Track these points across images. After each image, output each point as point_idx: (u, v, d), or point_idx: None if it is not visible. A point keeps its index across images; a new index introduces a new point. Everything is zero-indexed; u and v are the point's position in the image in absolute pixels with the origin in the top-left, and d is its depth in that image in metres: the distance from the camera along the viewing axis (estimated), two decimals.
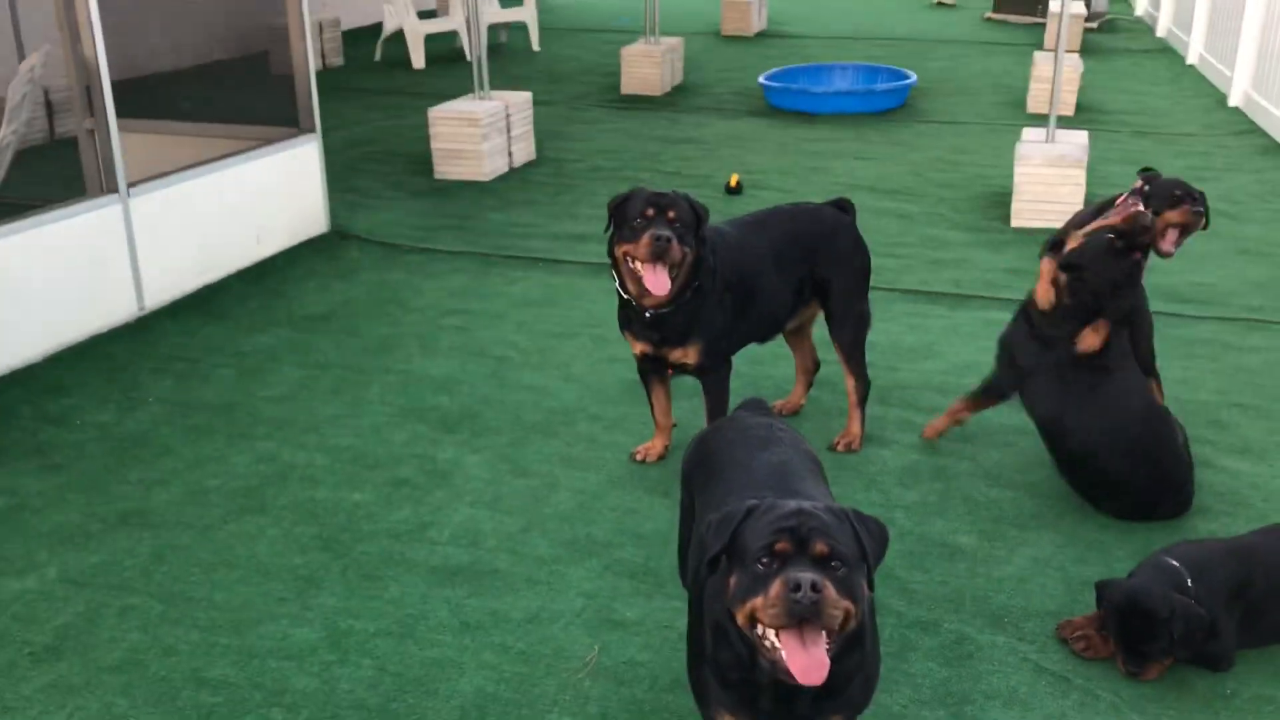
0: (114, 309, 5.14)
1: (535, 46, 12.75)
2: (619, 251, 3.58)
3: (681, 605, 3.18)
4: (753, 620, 2.07)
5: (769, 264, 3.90)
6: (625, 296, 3.70)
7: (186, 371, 4.75)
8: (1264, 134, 8.66)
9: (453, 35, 12.59)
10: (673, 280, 3.53)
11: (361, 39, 12.98)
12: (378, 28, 12.56)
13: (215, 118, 6.91)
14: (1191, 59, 11.71)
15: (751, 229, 3.97)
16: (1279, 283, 5.66)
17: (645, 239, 3.46)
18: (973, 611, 3.20)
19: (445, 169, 7.60)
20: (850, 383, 4.13)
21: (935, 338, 5.06)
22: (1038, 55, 9.80)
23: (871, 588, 2.17)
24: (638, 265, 3.53)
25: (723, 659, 2.21)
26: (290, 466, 4.00)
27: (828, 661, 2.03)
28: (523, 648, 3.07)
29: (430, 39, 12.08)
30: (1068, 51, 9.38)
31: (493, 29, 12.77)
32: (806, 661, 2.01)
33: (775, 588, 2.00)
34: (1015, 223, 6.54)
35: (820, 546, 2.04)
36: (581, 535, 3.58)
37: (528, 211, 6.92)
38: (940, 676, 2.97)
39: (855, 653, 2.17)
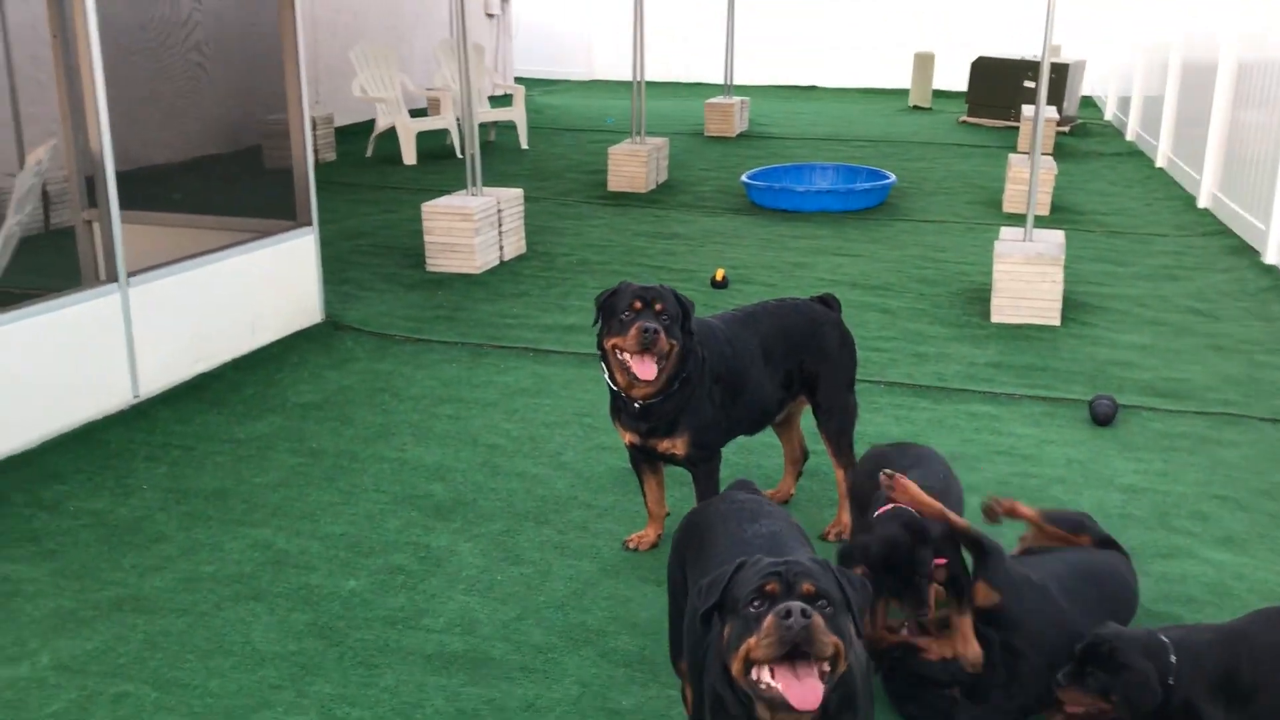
0: (109, 396, 5.18)
1: (524, 145, 13.02)
2: (608, 344, 3.68)
3: (676, 695, 3.21)
4: (748, 665, 2.16)
5: (757, 357, 4.00)
6: (615, 388, 3.78)
7: (181, 458, 4.78)
8: (1232, 234, 8.91)
9: (444, 133, 12.85)
10: (660, 370, 3.62)
11: (354, 135, 13.23)
12: (370, 125, 12.82)
13: (209, 210, 7.02)
14: (1160, 162, 12.07)
15: (739, 323, 4.08)
16: (1253, 379, 5.79)
17: (633, 331, 3.56)
18: None
19: (438, 262, 7.73)
20: (840, 473, 4.21)
21: (921, 429, 5.14)
22: (1013, 157, 10.09)
23: (859, 634, 2.26)
24: (626, 356, 3.62)
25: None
26: (285, 553, 4.01)
27: (821, 687, 2.12)
28: None
29: (421, 136, 12.33)
30: (1042, 154, 9.67)
31: (482, 127, 13.05)
32: (801, 689, 2.11)
33: (767, 621, 2.13)
34: (995, 318, 6.69)
35: (807, 586, 2.18)
36: (576, 623, 3.60)
37: (518, 303, 7.04)
38: None
39: (849, 711, 2.23)
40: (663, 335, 3.57)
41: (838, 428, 4.19)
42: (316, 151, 11.95)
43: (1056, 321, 6.62)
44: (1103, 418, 5.22)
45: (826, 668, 2.13)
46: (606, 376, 3.79)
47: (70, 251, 6.14)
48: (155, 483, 4.56)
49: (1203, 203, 9.99)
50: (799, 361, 4.11)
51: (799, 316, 4.19)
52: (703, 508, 2.94)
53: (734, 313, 4.18)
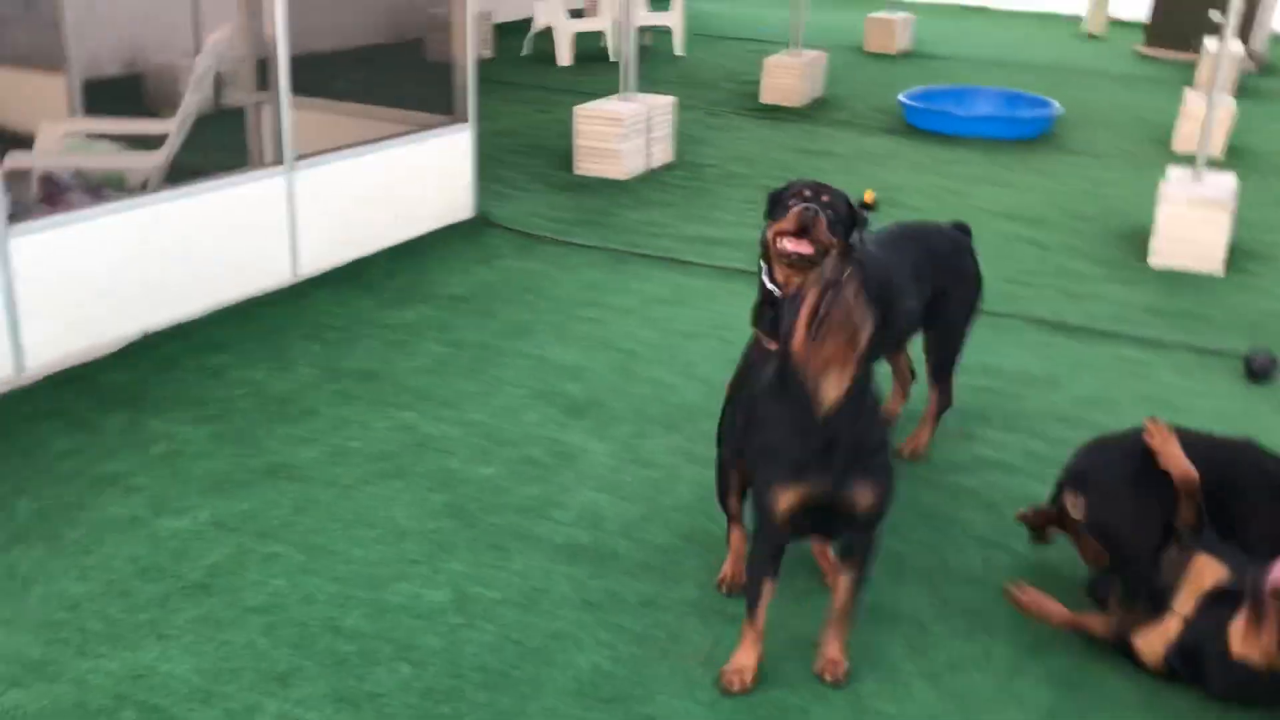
0: (271, 275, 5.43)
1: (679, 51, 12.91)
2: (770, 232, 3.42)
3: (789, 605, 3.28)
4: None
5: (909, 281, 3.97)
6: (770, 288, 3.48)
7: (334, 338, 5.00)
8: None
9: (599, 35, 12.82)
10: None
11: (511, 33, 13.30)
12: (527, 23, 12.87)
13: (372, 100, 7.19)
14: None
15: (890, 246, 4.03)
16: None
17: (794, 211, 3.33)
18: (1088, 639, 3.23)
19: (586, 166, 7.79)
20: (934, 396, 4.24)
21: (1063, 370, 5.04)
22: (1189, 93, 9.59)
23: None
24: (786, 243, 3.34)
25: (770, 427, 2.90)
26: (427, 436, 4.20)
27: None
28: (639, 630, 3.20)
29: (578, 37, 12.33)
30: (1221, 92, 9.16)
31: (639, 32, 12.97)
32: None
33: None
34: (1154, 261, 6.44)
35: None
36: (699, 528, 3.69)
37: (662, 212, 7.07)
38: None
39: (862, 416, 2.80)
40: (824, 222, 3.30)
41: (949, 356, 4.18)
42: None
43: (1219, 270, 6.35)
44: (1259, 372, 5.02)
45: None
46: (764, 275, 3.49)
47: (240, 132, 6.39)
48: (310, 359, 4.79)
49: None
50: (941, 286, 4.06)
51: (943, 239, 4.14)
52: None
53: (882, 235, 4.13)
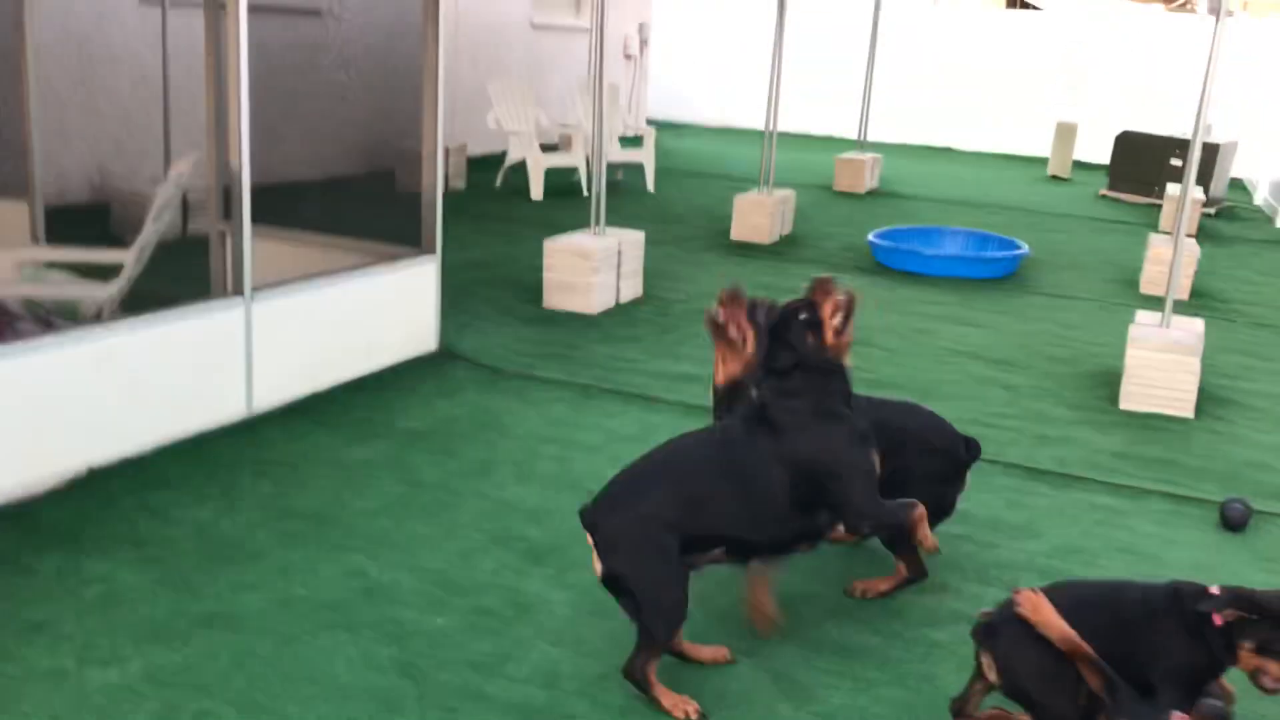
0: (224, 409, 5.28)
1: (650, 187, 13.06)
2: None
3: None
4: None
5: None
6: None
7: (285, 476, 4.82)
8: None
9: (572, 170, 12.97)
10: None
11: (486, 166, 13.45)
12: (502, 156, 13.02)
13: (338, 230, 7.15)
14: None
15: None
16: None
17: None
18: None
19: (555, 299, 7.74)
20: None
21: (1037, 517, 4.92)
22: (1154, 236, 9.73)
23: None
24: None
25: None
26: (378, 584, 4.00)
27: None
28: None
29: (550, 172, 12.46)
30: (1185, 235, 9.30)
31: (610, 168, 13.14)
32: None
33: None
34: (1124, 405, 6.40)
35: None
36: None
37: (631, 347, 6.99)
38: None
39: None
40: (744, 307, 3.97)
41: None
42: (447, 179, 12.18)
43: (1190, 414, 6.31)
44: (1235, 522, 4.92)
45: None
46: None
47: (203, 261, 6.30)
48: (259, 499, 4.60)
49: None
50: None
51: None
52: None
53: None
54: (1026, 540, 4.68)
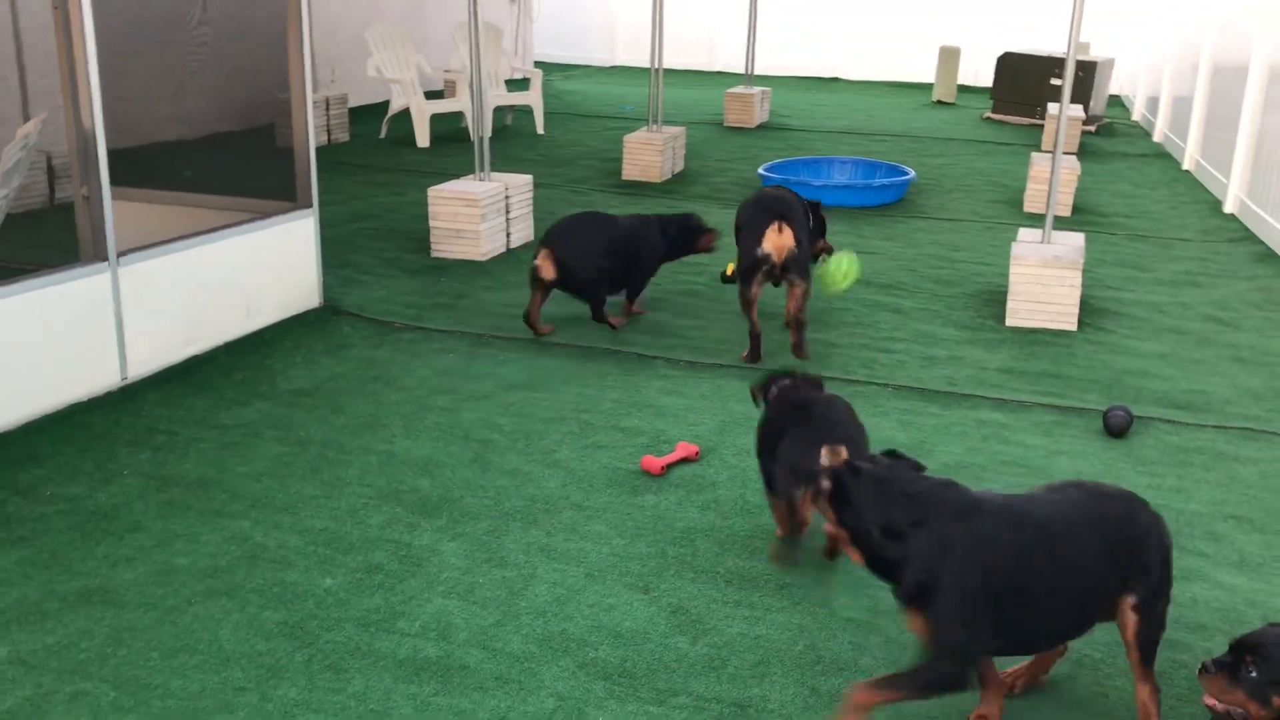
0: (96, 378, 5.07)
1: (540, 130, 12.87)
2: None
3: (656, 710, 3.08)
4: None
5: None
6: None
7: (165, 444, 4.66)
8: (1259, 241, 8.68)
9: (459, 116, 12.71)
10: None
11: (369, 116, 13.11)
12: (385, 105, 12.69)
13: (215, 189, 6.89)
14: (1187, 164, 11.82)
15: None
16: (1276, 393, 5.60)
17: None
18: None
19: (443, 248, 7.59)
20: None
21: (927, 435, 4.98)
22: (1035, 156, 9.87)
23: None
24: None
25: None
26: (262, 547, 3.89)
27: None
28: None
29: (436, 118, 12.19)
30: (1065, 153, 9.45)
31: (498, 111, 12.90)
32: None
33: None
34: (1010, 322, 6.50)
35: None
36: (556, 631, 3.46)
37: (523, 293, 6.88)
38: None
39: None
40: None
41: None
42: (330, 131, 11.85)
43: (1073, 327, 6.44)
44: (1116, 429, 5.04)
45: None
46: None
47: (71, 227, 6.03)
48: (136, 469, 4.44)
49: (1229, 208, 9.75)
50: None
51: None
52: None
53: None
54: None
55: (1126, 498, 3.02)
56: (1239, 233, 9.01)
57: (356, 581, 3.71)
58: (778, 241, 5.56)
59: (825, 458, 3.47)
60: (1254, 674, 2.70)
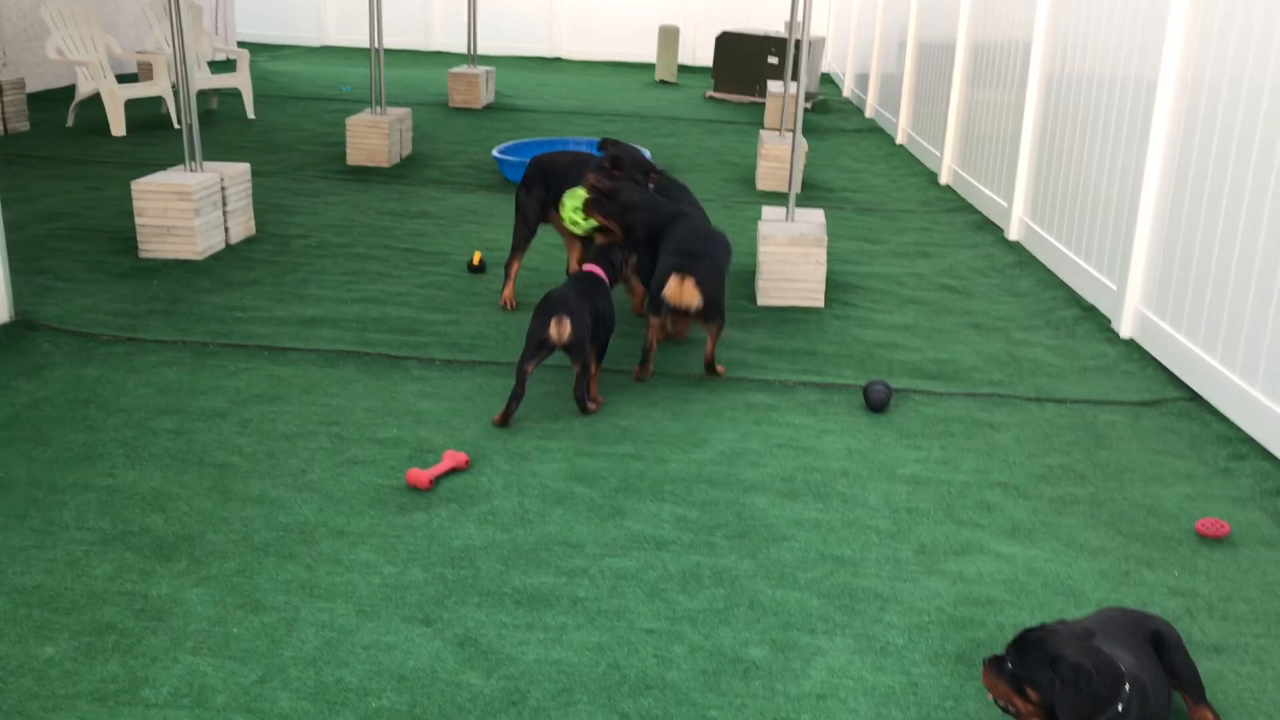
0: None
1: (251, 114, 12.00)
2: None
3: None
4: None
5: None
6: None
7: None
8: (974, 210, 9.16)
9: (158, 101, 11.66)
10: None
11: (52, 103, 11.82)
12: (70, 91, 11.47)
13: None
14: (900, 139, 12.39)
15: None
16: (1013, 357, 5.84)
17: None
18: None
19: (153, 246, 6.84)
20: None
21: (699, 423, 4.86)
22: (764, 134, 10.04)
23: None
24: None
25: None
26: None
27: None
28: None
29: (132, 104, 11.12)
30: (790, 130, 9.64)
31: (202, 95, 11.93)
32: None
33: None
34: (762, 301, 6.51)
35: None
36: (331, 682, 3.07)
37: (249, 294, 6.30)
38: None
39: None
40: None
41: None
42: (5, 120, 10.59)
43: (821, 303, 6.51)
44: (877, 403, 5.09)
45: None
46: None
47: None
48: None
49: (944, 179, 10.26)
50: None
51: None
52: None
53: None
54: (692, 449, 4.59)
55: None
56: (955, 203, 9.48)
57: (85, 646, 3.17)
58: (679, 294, 5.18)
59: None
60: (1010, 668, 2.76)
